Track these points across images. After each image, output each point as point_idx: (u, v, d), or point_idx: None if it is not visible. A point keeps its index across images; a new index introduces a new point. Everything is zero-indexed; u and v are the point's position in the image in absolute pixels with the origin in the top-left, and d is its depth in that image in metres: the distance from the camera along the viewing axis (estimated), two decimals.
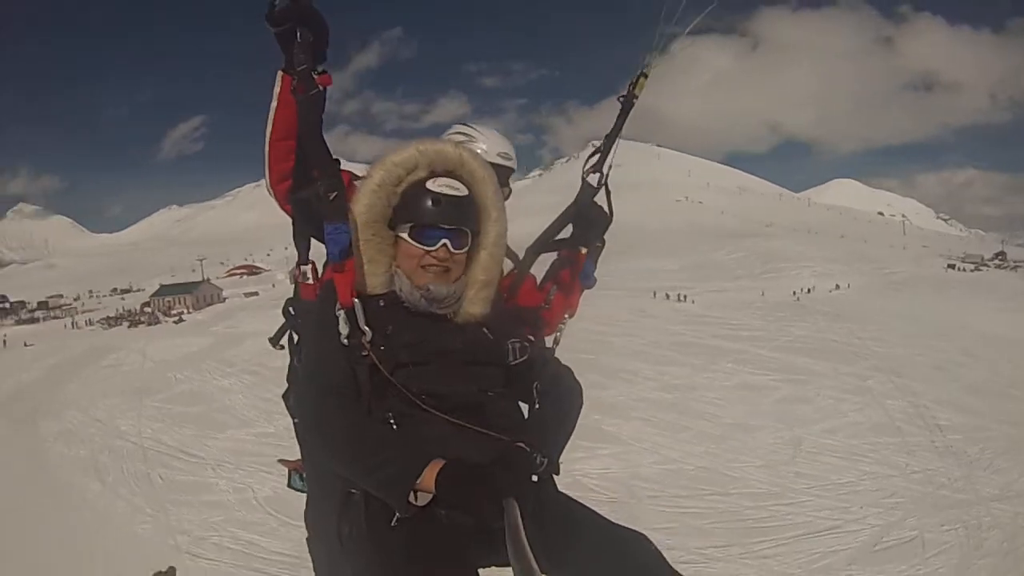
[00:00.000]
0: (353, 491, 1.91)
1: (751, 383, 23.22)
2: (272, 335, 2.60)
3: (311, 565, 2.48)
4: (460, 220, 2.03)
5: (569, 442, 2.03)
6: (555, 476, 2.03)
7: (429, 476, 1.72)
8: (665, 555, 1.87)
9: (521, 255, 2.71)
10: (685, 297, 49.87)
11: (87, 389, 28.42)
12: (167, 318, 68.86)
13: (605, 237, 2.73)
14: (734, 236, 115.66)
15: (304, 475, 2.63)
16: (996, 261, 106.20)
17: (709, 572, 11.20)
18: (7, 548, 11.58)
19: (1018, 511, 13.07)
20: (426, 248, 2.00)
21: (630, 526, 1.88)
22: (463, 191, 2.05)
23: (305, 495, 2.57)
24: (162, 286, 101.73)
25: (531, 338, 2.22)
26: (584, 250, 2.73)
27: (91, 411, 23.95)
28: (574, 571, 1.87)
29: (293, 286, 2.55)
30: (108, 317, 77.06)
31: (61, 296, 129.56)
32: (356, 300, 1.97)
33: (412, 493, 1.74)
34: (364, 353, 1.91)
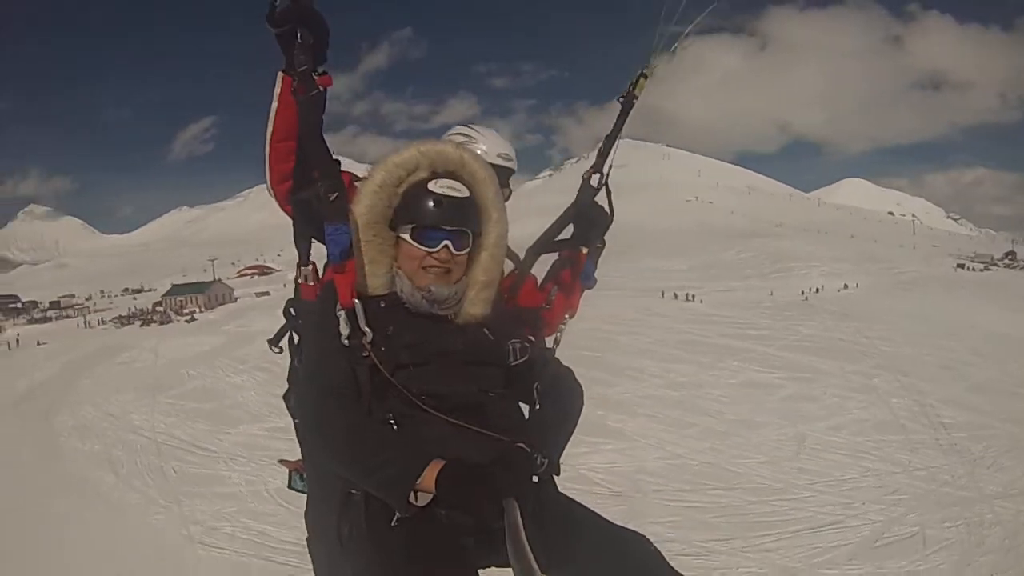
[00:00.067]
0: (353, 491, 1.93)
1: (757, 381, 23.28)
2: (271, 336, 2.59)
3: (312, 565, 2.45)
4: (461, 221, 2.04)
5: (574, 438, 2.07)
6: (555, 476, 2.05)
7: (429, 476, 1.75)
8: (665, 554, 1.94)
9: (522, 255, 2.74)
10: (693, 296, 49.77)
11: (100, 386, 28.65)
12: (179, 317, 69.06)
13: (606, 238, 2.73)
14: (743, 236, 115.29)
15: (304, 475, 2.63)
16: (1006, 261, 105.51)
17: (711, 565, 11.24)
18: (22, 539, 11.76)
19: (1021, 508, 13.06)
20: (427, 249, 2.02)
21: (634, 519, 1.97)
22: (464, 192, 2.07)
23: (305, 495, 2.55)
24: (174, 286, 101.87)
25: (531, 339, 2.25)
26: (585, 250, 2.75)
27: (104, 407, 24.16)
28: (574, 571, 1.90)
29: (294, 286, 2.53)
30: (120, 316, 77.30)
31: (73, 296, 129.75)
32: (357, 301, 1.99)
33: (412, 493, 1.76)
34: (365, 354, 1.93)
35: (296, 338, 2.50)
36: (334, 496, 1.97)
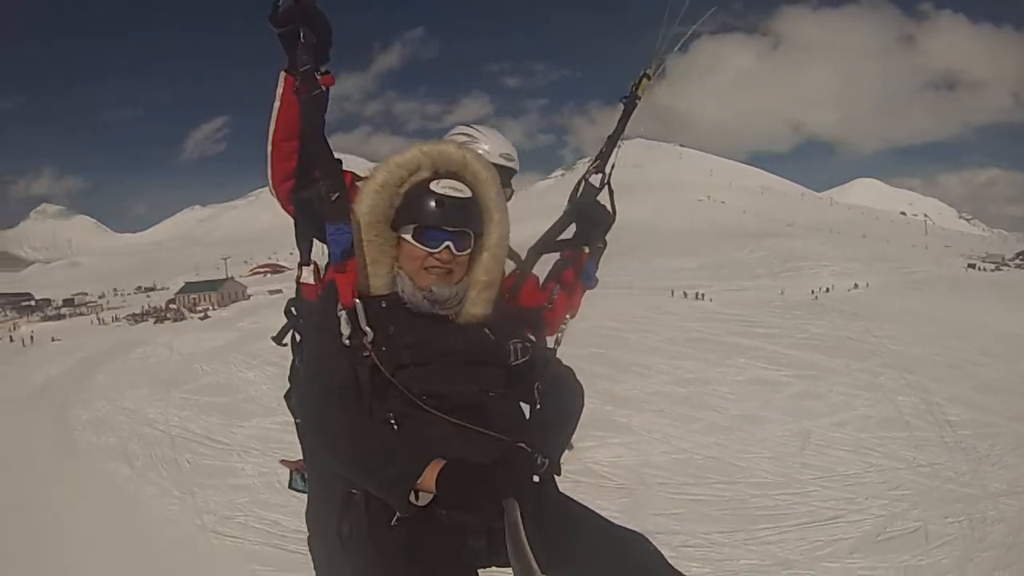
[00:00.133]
0: (354, 491, 1.91)
1: (764, 378, 23.38)
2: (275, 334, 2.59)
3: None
4: (463, 222, 2.04)
5: (580, 432, 2.12)
6: (556, 476, 2.05)
7: (430, 476, 1.74)
8: (668, 546, 2.00)
9: (523, 255, 2.73)
10: (703, 295, 49.58)
11: (115, 381, 29.02)
12: (193, 314, 69.22)
13: (608, 238, 2.72)
14: (755, 236, 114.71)
15: (305, 475, 2.60)
16: (1017, 261, 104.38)
17: (713, 557, 11.43)
18: (39, 529, 11.96)
19: None
20: (429, 250, 2.01)
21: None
22: (466, 193, 2.06)
23: (306, 495, 2.52)
24: (187, 283, 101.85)
25: (532, 338, 2.24)
26: (587, 250, 2.74)
27: (119, 401, 24.54)
28: (574, 571, 1.90)
29: (295, 286, 2.51)
30: (134, 313, 77.50)
31: (86, 294, 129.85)
32: (358, 301, 1.98)
33: (413, 493, 1.76)
34: (365, 354, 1.92)
35: (298, 337, 2.49)
36: (335, 496, 1.97)
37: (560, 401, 2.13)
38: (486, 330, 2.09)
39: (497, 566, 1.84)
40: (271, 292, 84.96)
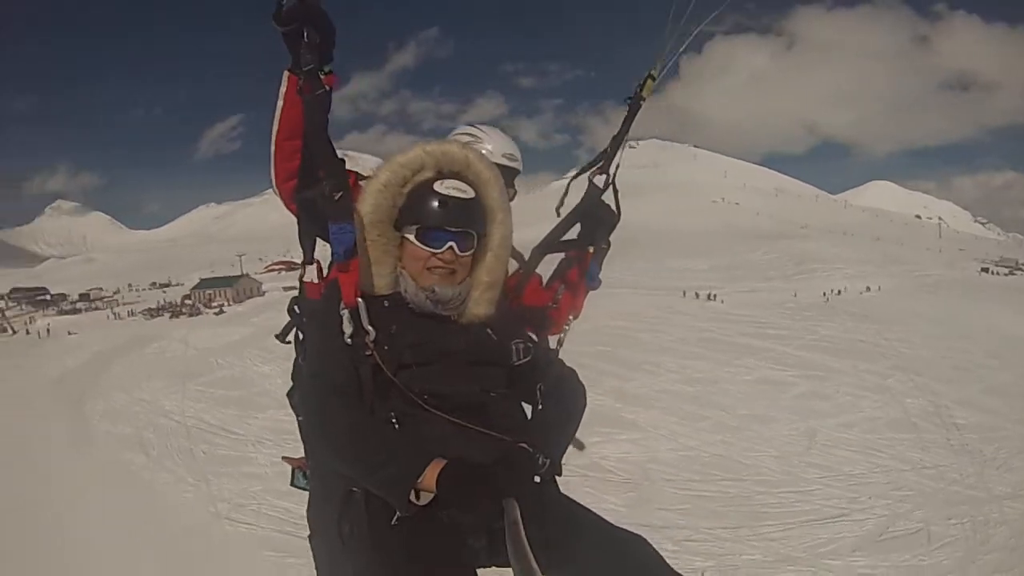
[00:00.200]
0: (355, 489, 1.91)
1: (772, 378, 23.46)
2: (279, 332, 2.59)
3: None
4: (466, 223, 2.03)
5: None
6: (557, 477, 2.05)
7: (430, 475, 1.75)
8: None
9: (527, 255, 2.70)
10: (715, 296, 49.55)
11: (132, 373, 29.35)
12: (208, 310, 69.63)
13: (611, 239, 2.70)
14: (769, 237, 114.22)
15: (307, 473, 2.57)
16: None
17: (716, 551, 11.56)
18: (58, 514, 12.33)
19: None
20: (432, 250, 2.00)
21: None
22: (470, 193, 2.05)
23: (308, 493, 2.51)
24: (202, 279, 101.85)
25: (534, 339, 2.22)
26: (592, 250, 2.71)
27: (136, 393, 24.85)
28: (574, 571, 1.87)
29: (298, 284, 2.53)
30: (150, 308, 77.86)
31: (101, 289, 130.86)
32: (360, 300, 1.98)
33: (414, 492, 1.76)
34: (367, 353, 1.92)
35: (301, 336, 2.49)
36: (336, 494, 1.97)
37: (562, 402, 2.14)
38: (488, 330, 2.09)
39: (497, 566, 1.86)
40: (286, 289, 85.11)
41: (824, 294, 50.01)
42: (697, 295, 50.73)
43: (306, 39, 2.00)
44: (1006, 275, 78.71)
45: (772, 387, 22.28)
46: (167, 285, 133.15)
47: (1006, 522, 12.73)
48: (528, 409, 2.14)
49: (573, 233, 2.72)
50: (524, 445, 1.90)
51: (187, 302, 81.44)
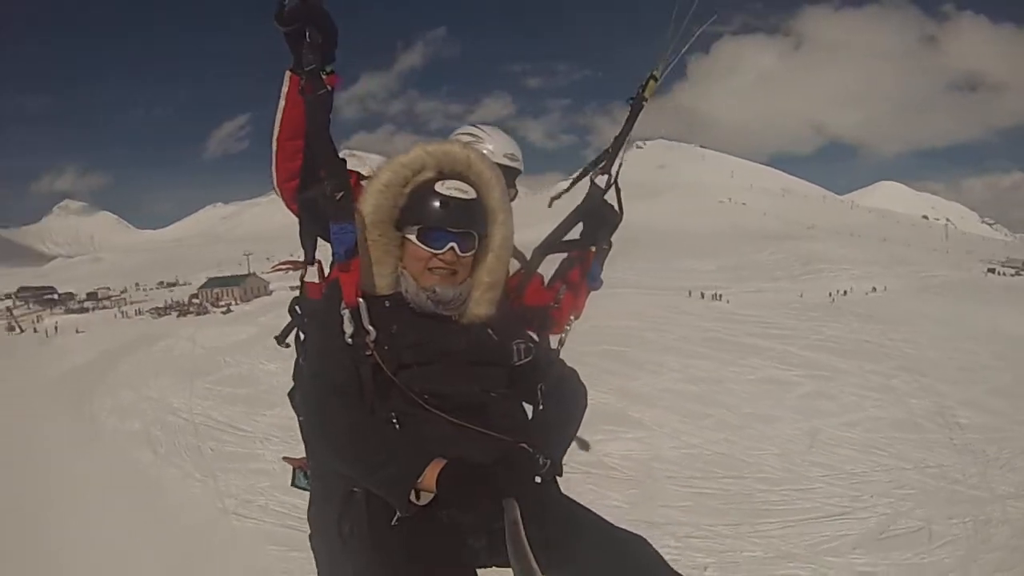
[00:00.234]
0: (355, 490, 1.92)
1: (776, 378, 23.50)
2: (278, 333, 2.61)
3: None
4: (468, 223, 2.03)
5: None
6: (558, 478, 2.05)
7: (430, 475, 1.75)
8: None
9: (529, 255, 2.69)
10: (721, 296, 49.76)
11: (139, 371, 29.56)
12: (215, 309, 69.85)
13: (615, 240, 2.68)
14: (775, 238, 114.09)
15: (308, 473, 2.56)
16: None
17: (717, 548, 11.61)
18: (65, 510, 12.51)
19: None
20: (433, 251, 2.00)
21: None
22: (471, 194, 2.05)
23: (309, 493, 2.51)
24: (210, 279, 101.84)
25: (535, 339, 2.24)
26: (593, 250, 2.70)
27: (143, 390, 25.05)
28: (574, 572, 1.86)
29: (299, 284, 2.56)
30: (157, 307, 78.04)
31: (108, 288, 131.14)
32: (361, 300, 1.99)
33: (414, 492, 1.76)
34: (368, 352, 1.92)
35: (302, 336, 2.49)
36: (336, 494, 1.98)
37: (563, 402, 2.14)
38: (489, 330, 2.10)
39: (497, 566, 1.86)
40: (292, 288, 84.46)
41: (830, 294, 50.08)
42: (703, 295, 50.77)
43: (308, 39, 2.01)
44: (1012, 276, 78.58)
45: (776, 386, 22.31)
46: (174, 284, 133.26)
47: (1008, 521, 12.71)
48: (529, 409, 2.16)
49: (575, 233, 2.72)
50: (525, 445, 1.91)
51: (194, 301, 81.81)
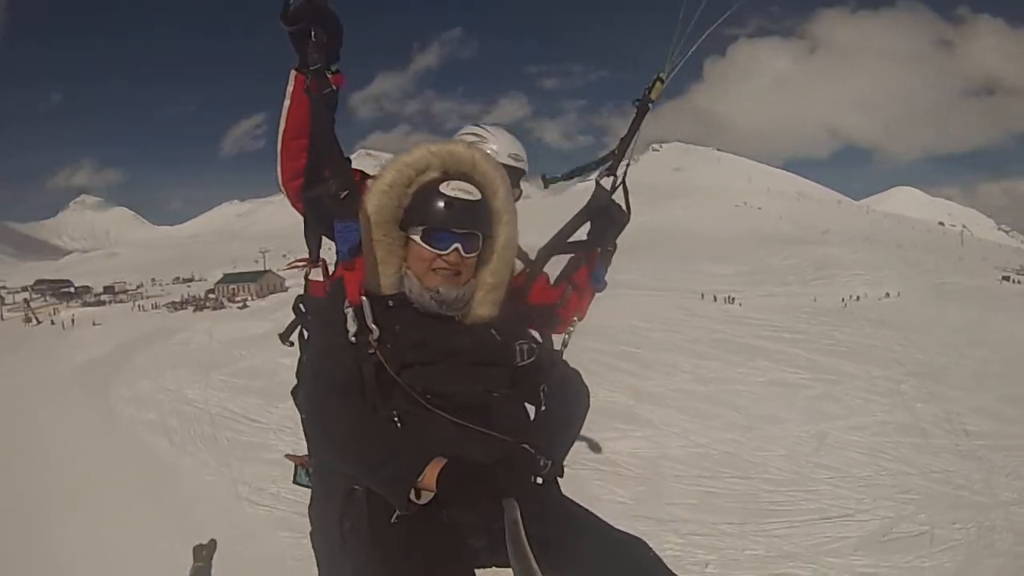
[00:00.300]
0: (356, 488, 1.93)
1: (785, 380, 23.44)
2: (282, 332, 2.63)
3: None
4: (472, 224, 2.04)
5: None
6: (559, 479, 2.09)
7: (431, 474, 1.75)
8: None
9: (533, 255, 2.74)
10: (733, 299, 49.62)
11: (156, 363, 29.88)
12: (231, 304, 70.98)
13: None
14: (790, 242, 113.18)
15: (310, 470, 2.60)
16: None
17: (720, 545, 11.67)
18: (83, 495, 12.72)
19: None
20: (437, 252, 2.02)
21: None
22: (476, 195, 2.06)
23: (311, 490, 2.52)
24: (226, 274, 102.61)
25: (539, 339, 2.29)
26: (599, 251, 2.73)
27: (160, 381, 25.30)
28: (574, 573, 1.87)
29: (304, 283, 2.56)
30: (173, 302, 79.04)
31: (124, 283, 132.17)
32: (364, 298, 2.01)
33: (414, 491, 1.77)
34: (371, 351, 1.94)
35: (306, 334, 2.51)
36: (337, 492, 1.99)
37: (565, 403, 2.17)
38: (492, 331, 2.12)
39: (497, 566, 1.88)
40: None
41: (843, 299, 49.83)
42: (715, 298, 50.68)
43: (313, 38, 2.06)
44: None
45: (784, 389, 22.28)
46: (190, 280, 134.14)
47: (1012, 529, 12.67)
48: (531, 410, 2.19)
49: (582, 233, 2.75)
50: (526, 446, 1.94)
51: (211, 296, 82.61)
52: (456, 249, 2.02)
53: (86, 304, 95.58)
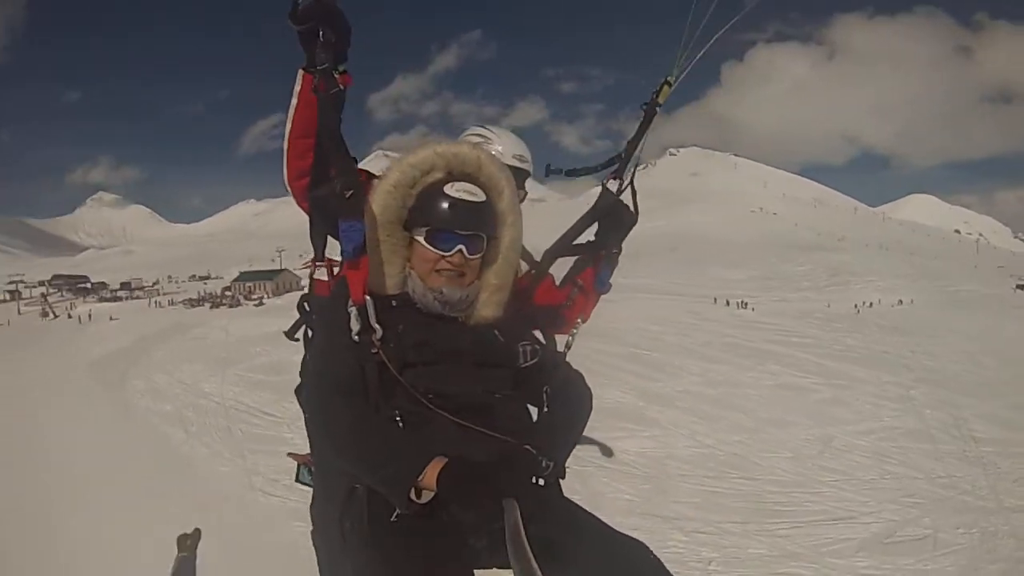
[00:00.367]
0: (357, 487, 1.91)
1: (793, 384, 23.58)
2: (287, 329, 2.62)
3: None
4: (476, 225, 2.02)
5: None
6: (560, 480, 2.06)
7: (431, 474, 1.73)
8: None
9: (538, 257, 2.72)
10: (746, 304, 49.65)
11: (173, 357, 30.44)
12: (248, 301, 71.76)
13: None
14: (806, 249, 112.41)
15: (312, 469, 2.60)
16: None
17: (723, 543, 11.85)
18: (101, 480, 13.13)
19: None
20: (441, 253, 1.99)
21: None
22: (481, 196, 2.04)
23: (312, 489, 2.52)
24: (243, 273, 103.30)
25: (542, 341, 2.27)
26: (603, 254, 2.71)
27: (176, 374, 25.85)
28: (574, 575, 1.84)
29: (308, 282, 2.57)
30: (191, 298, 79.79)
31: (141, 279, 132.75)
32: (368, 298, 1.98)
33: (414, 491, 1.74)
34: (374, 351, 1.91)
35: (310, 333, 2.52)
36: (339, 491, 1.97)
37: (568, 405, 2.14)
38: (495, 332, 2.10)
39: (497, 566, 1.88)
40: None
41: (856, 306, 49.60)
42: (728, 302, 50.65)
43: (321, 38, 2.04)
44: None
45: (793, 393, 22.42)
46: (207, 278, 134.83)
47: (1015, 535, 12.72)
48: (534, 411, 2.16)
49: (588, 236, 2.74)
50: (528, 447, 1.91)
51: (227, 293, 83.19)
52: (460, 250, 2.00)
53: (103, 299, 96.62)
